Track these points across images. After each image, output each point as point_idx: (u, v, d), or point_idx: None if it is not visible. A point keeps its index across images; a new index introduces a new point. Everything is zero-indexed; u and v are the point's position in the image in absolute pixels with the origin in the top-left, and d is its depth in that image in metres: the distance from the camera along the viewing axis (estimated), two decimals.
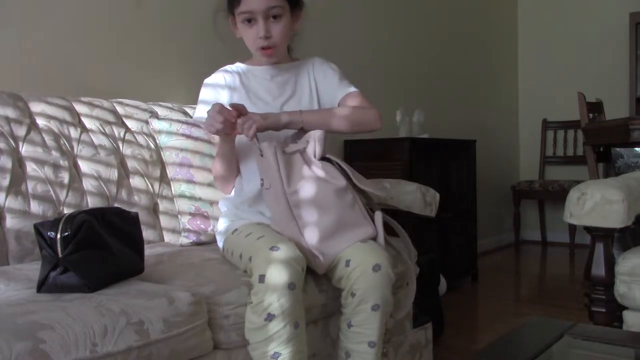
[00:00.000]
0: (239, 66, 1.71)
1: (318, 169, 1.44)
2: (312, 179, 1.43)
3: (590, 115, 3.38)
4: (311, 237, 1.40)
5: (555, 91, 4.90)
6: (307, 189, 1.42)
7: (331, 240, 1.40)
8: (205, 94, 1.68)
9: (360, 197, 1.52)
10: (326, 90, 1.68)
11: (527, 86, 5.19)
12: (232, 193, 1.66)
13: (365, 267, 1.36)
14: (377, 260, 1.36)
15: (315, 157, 1.44)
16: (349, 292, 1.38)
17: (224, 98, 1.64)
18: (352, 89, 1.67)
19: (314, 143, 1.45)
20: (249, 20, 1.56)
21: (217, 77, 1.68)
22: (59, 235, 1.17)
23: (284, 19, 1.57)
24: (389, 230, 1.56)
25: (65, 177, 1.69)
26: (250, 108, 1.58)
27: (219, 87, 1.66)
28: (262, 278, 1.24)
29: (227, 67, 1.71)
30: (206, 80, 1.70)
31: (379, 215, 1.47)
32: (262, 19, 1.54)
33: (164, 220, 1.89)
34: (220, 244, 1.60)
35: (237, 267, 1.46)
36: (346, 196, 1.44)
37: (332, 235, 1.40)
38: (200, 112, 1.65)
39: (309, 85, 1.68)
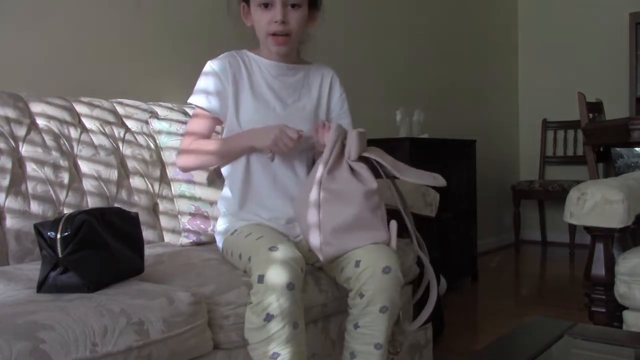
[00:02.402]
0: (245, 54, 1.65)
1: (355, 168, 1.47)
2: (348, 174, 1.45)
3: (590, 115, 3.38)
4: (326, 223, 1.41)
5: (555, 91, 4.90)
6: (340, 181, 1.44)
7: (345, 235, 1.41)
8: (209, 83, 1.59)
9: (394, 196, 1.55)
10: (336, 114, 1.73)
11: (527, 86, 5.19)
12: (228, 193, 1.65)
13: (375, 268, 1.36)
14: (388, 262, 1.37)
15: (350, 158, 1.46)
16: (357, 293, 1.38)
17: (229, 89, 1.59)
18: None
19: (349, 145, 1.47)
20: (266, 5, 1.53)
21: (224, 65, 1.60)
22: (59, 235, 1.17)
23: (302, 9, 1.55)
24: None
25: (65, 177, 1.69)
26: (252, 104, 1.58)
27: (224, 78, 1.59)
28: (261, 278, 1.24)
29: (234, 53, 1.64)
30: (211, 66, 1.60)
31: (394, 224, 1.48)
32: (281, 4, 1.52)
33: (164, 220, 1.89)
34: (219, 244, 1.60)
35: (237, 267, 1.46)
36: (372, 199, 1.45)
37: (347, 231, 1.41)
38: (199, 100, 1.60)
39: (318, 94, 1.69)
